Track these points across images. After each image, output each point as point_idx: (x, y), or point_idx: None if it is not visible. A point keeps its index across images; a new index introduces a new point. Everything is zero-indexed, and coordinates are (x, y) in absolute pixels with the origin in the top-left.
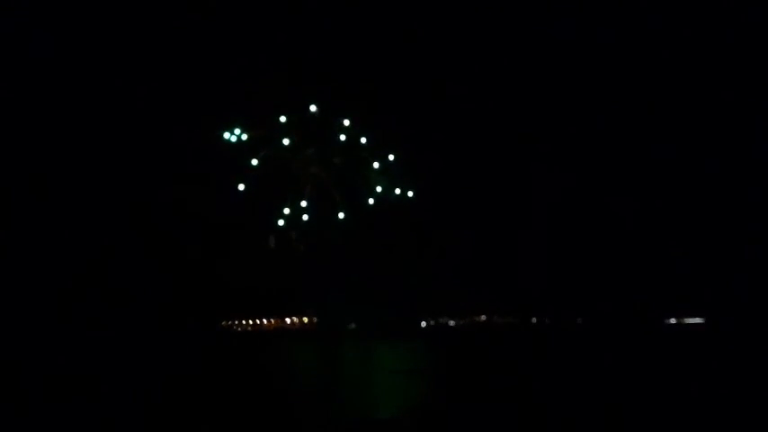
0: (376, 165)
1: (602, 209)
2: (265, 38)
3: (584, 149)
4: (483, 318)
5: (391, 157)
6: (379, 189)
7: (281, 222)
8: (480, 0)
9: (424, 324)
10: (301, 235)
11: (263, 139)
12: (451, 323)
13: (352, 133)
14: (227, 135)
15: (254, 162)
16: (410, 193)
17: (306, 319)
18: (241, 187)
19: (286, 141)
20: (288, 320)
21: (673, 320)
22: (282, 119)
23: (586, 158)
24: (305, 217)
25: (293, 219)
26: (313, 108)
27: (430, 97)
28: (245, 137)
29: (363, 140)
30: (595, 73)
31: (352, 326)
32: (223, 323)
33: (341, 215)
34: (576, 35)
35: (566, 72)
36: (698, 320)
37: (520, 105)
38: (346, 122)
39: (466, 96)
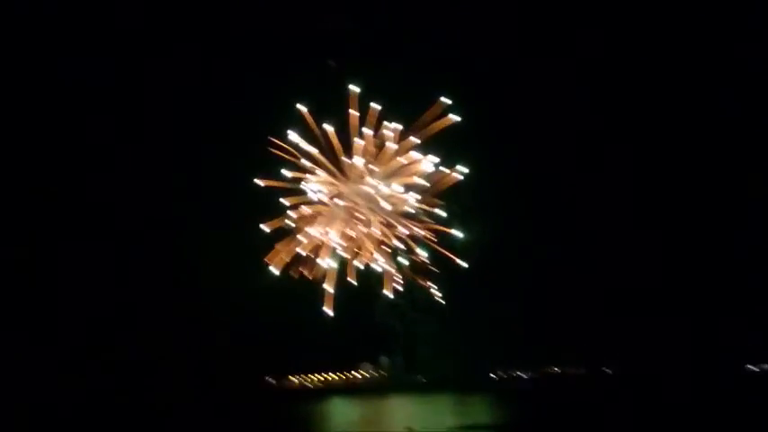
0: None
1: (666, 259)
2: None
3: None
4: (556, 369)
5: None
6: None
7: None
8: None
9: (494, 376)
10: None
11: None
12: (525, 376)
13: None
14: None
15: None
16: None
17: (375, 373)
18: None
19: None
20: (358, 375)
21: (755, 368)
22: None
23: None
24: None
25: None
26: None
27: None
28: None
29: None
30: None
31: (422, 379)
32: (293, 377)
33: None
34: None
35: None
36: None
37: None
38: None
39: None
